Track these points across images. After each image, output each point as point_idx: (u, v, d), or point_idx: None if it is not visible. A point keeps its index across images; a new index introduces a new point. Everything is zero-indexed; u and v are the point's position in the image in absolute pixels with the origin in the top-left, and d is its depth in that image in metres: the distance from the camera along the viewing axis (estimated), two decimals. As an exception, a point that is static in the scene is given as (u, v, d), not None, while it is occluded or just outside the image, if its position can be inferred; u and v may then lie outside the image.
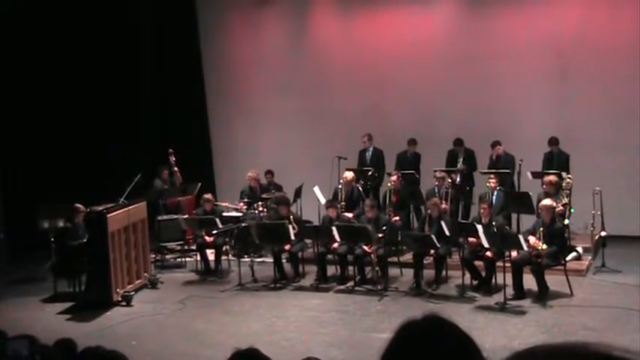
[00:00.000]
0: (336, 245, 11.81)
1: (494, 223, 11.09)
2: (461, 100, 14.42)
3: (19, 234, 13.50)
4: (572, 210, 12.04)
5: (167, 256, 13.81)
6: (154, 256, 13.32)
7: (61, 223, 12.62)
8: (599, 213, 12.04)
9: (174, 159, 14.45)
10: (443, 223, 11.18)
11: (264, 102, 15.85)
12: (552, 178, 12.04)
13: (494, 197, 12.38)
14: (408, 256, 12.03)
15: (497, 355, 1.66)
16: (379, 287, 11.30)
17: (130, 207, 12.04)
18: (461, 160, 13.59)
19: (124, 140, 14.89)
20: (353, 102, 15.09)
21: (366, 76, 15.04)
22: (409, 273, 11.64)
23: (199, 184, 14.25)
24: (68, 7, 14.49)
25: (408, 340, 1.62)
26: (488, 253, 10.85)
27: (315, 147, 15.08)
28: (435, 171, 13.13)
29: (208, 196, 13.29)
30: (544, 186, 11.98)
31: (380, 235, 11.42)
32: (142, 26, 15.04)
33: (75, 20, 14.64)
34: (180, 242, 13.90)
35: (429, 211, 11.74)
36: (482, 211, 11.33)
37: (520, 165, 12.79)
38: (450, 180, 12.93)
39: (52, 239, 12.16)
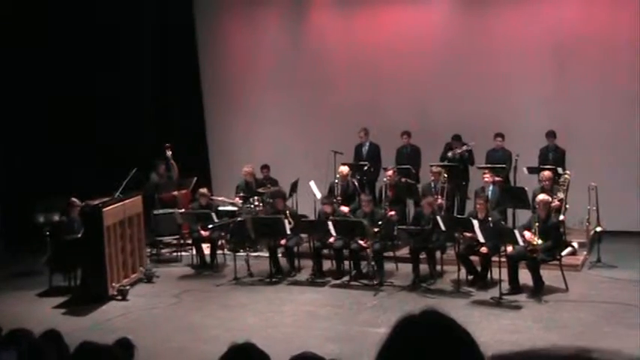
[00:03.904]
0: (332, 240, 11.81)
1: (490, 218, 11.10)
2: (458, 95, 14.38)
3: (15, 228, 13.47)
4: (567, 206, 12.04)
5: (163, 250, 13.78)
6: (149, 250, 13.31)
7: (56, 217, 12.59)
8: (594, 208, 12.06)
9: (170, 153, 14.42)
10: (438, 218, 11.17)
11: (260, 97, 15.81)
12: (550, 173, 12.03)
13: (489, 192, 12.39)
14: (403, 251, 12.05)
15: (492, 350, 1.65)
16: (375, 282, 11.31)
17: (126, 201, 12.02)
18: (472, 144, 13.52)
19: (120, 134, 14.85)
20: (349, 97, 15.05)
21: (363, 71, 15.01)
22: (405, 268, 11.66)
23: (195, 178, 14.22)
24: (67, 3, 14.46)
25: (406, 335, 1.62)
26: (484, 248, 10.86)
27: (311, 141, 15.04)
28: (432, 166, 13.14)
29: (204, 190, 13.28)
30: (545, 182, 11.92)
31: (376, 230, 11.43)
32: (140, 22, 14.99)
33: (73, 15, 14.58)
34: (176, 236, 13.85)
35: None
36: (478, 206, 11.34)
37: (516, 160, 12.80)
38: (445, 175, 12.88)
39: (48, 233, 12.16)
